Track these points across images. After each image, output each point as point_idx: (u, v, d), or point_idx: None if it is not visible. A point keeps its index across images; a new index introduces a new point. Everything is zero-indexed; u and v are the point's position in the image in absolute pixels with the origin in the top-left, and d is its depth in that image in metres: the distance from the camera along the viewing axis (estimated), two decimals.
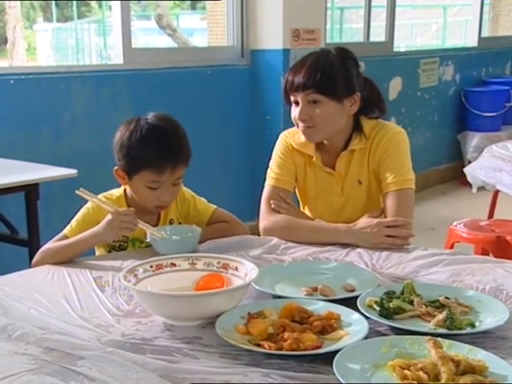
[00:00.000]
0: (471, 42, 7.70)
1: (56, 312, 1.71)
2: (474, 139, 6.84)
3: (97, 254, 2.33)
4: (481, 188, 4.22)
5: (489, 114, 6.89)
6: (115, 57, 4.42)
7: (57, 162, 3.57)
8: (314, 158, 2.41)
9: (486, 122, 6.91)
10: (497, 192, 4.26)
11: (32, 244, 3.27)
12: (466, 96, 7.07)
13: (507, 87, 7.02)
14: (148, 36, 9.22)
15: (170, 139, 2.18)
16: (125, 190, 2.30)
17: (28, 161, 3.52)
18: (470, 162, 6.66)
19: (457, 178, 6.88)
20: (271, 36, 4.96)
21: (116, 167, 2.24)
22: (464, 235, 3.47)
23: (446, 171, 7.10)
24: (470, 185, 4.15)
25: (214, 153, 4.77)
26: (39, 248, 3.17)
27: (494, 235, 3.38)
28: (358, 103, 2.33)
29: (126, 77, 4.35)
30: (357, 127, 2.38)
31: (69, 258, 2.11)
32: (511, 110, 7.01)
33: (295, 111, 2.33)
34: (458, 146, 7.06)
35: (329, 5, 6.41)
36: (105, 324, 1.64)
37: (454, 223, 3.58)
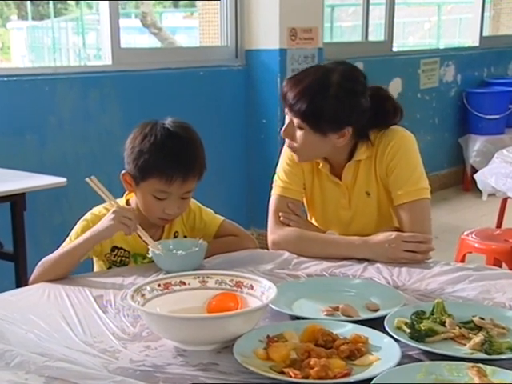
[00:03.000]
0: (470, 41, 7.57)
1: (56, 336, 1.59)
2: (476, 143, 6.67)
3: (95, 269, 2.20)
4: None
5: (492, 117, 6.70)
6: (104, 57, 4.28)
7: (42, 170, 3.43)
8: (321, 165, 2.26)
9: (488, 125, 6.72)
10: (505, 199, 4.14)
11: (18, 258, 3.13)
12: (468, 98, 6.89)
13: (510, 88, 6.84)
14: (129, 35, 9.07)
15: (185, 149, 2.05)
16: (127, 201, 2.18)
17: (11, 168, 3.38)
18: (472, 167, 6.56)
19: (459, 184, 6.77)
20: (267, 35, 4.81)
21: (124, 171, 2.11)
22: (476, 245, 3.37)
23: (447, 176, 6.96)
24: (472, 191, 4.02)
25: (207, 157, 4.62)
26: (26, 262, 3.05)
27: (508, 245, 3.27)
28: (347, 136, 2.14)
29: (114, 78, 4.20)
30: (362, 137, 2.20)
31: (68, 268, 1.99)
32: None
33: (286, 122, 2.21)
34: (459, 150, 6.90)
35: None
36: (111, 349, 1.52)
37: (465, 233, 3.47)
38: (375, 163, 2.21)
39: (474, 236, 3.41)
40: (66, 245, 2.08)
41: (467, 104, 6.88)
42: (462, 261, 3.36)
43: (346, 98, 2.10)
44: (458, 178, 6.89)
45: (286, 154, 2.32)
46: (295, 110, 2.11)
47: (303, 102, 2.08)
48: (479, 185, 3.76)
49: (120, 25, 4.20)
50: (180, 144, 2.05)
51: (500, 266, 3.33)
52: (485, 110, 6.74)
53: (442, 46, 8.97)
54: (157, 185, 2.03)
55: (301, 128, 2.13)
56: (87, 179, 1.99)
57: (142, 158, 2.03)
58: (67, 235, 2.13)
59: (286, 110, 2.17)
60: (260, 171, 4.86)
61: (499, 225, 4.26)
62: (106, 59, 4.23)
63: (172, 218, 2.13)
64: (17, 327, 1.63)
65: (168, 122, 2.09)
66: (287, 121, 2.17)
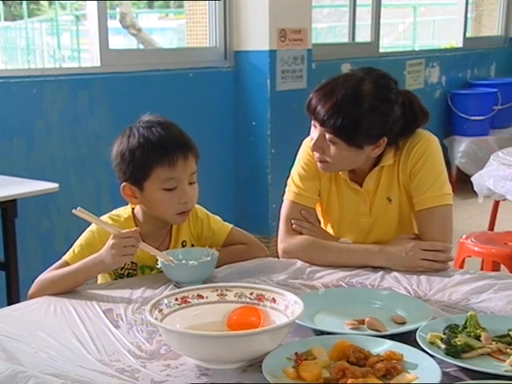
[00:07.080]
0: (446, 42, 7.55)
1: (69, 355, 1.50)
2: (461, 144, 6.66)
3: (99, 280, 2.10)
4: (472, 196, 4.05)
5: (476, 118, 6.70)
6: (92, 59, 4.18)
7: (29, 174, 3.33)
8: (341, 172, 2.19)
9: (473, 126, 6.72)
10: (497, 202, 4.10)
11: (10, 267, 3.01)
12: (453, 99, 6.88)
13: (494, 89, 6.85)
14: None
15: (173, 130, 2.00)
16: (133, 210, 2.08)
17: None
18: (458, 168, 6.56)
19: None
20: (256, 36, 4.73)
21: (122, 184, 2.01)
22: (476, 249, 3.31)
23: None
24: (457, 192, 3.93)
25: None
26: (17, 271, 2.93)
27: (508, 249, 3.22)
28: (383, 146, 2.08)
29: (103, 80, 4.11)
30: (391, 143, 2.12)
31: (69, 289, 1.89)
32: (499, 113, 6.83)
33: (313, 134, 2.10)
34: (444, 151, 6.85)
35: None
36: (129, 369, 1.43)
37: (464, 236, 3.42)
38: (398, 167, 2.14)
39: (473, 239, 3.36)
40: (69, 258, 1.98)
41: (452, 105, 6.87)
42: (462, 265, 3.31)
43: (380, 108, 2.01)
44: None
45: (302, 157, 2.23)
46: (328, 125, 2.00)
47: (337, 117, 1.98)
48: (475, 187, 3.71)
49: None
50: (165, 127, 1.99)
51: (498, 270, 3.29)
52: (469, 112, 6.73)
53: (417, 48, 8.97)
54: (162, 173, 1.94)
55: (334, 142, 2.03)
56: (75, 211, 1.84)
57: (136, 155, 1.95)
58: (70, 245, 2.03)
59: (315, 123, 2.07)
60: (249, 174, 4.78)
61: (491, 227, 4.22)
62: (94, 61, 4.13)
63: (189, 208, 2.01)
64: (25, 345, 1.54)
65: (143, 118, 2.04)
66: (316, 133, 2.07)
